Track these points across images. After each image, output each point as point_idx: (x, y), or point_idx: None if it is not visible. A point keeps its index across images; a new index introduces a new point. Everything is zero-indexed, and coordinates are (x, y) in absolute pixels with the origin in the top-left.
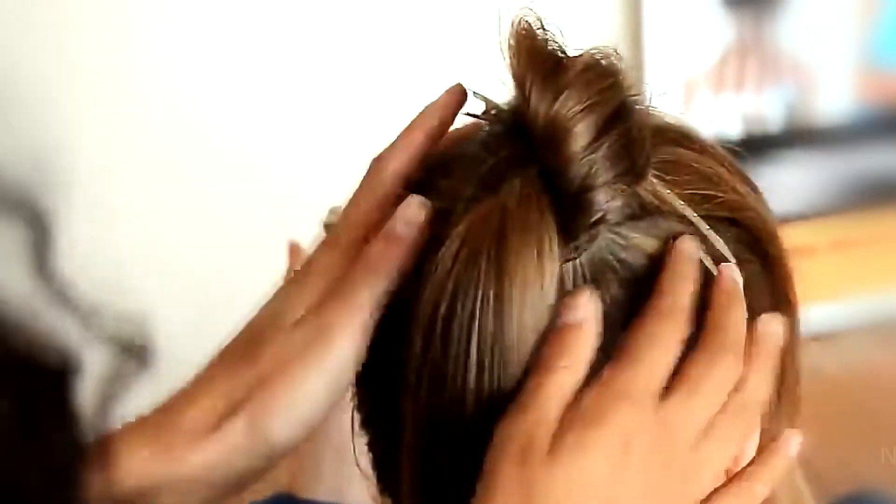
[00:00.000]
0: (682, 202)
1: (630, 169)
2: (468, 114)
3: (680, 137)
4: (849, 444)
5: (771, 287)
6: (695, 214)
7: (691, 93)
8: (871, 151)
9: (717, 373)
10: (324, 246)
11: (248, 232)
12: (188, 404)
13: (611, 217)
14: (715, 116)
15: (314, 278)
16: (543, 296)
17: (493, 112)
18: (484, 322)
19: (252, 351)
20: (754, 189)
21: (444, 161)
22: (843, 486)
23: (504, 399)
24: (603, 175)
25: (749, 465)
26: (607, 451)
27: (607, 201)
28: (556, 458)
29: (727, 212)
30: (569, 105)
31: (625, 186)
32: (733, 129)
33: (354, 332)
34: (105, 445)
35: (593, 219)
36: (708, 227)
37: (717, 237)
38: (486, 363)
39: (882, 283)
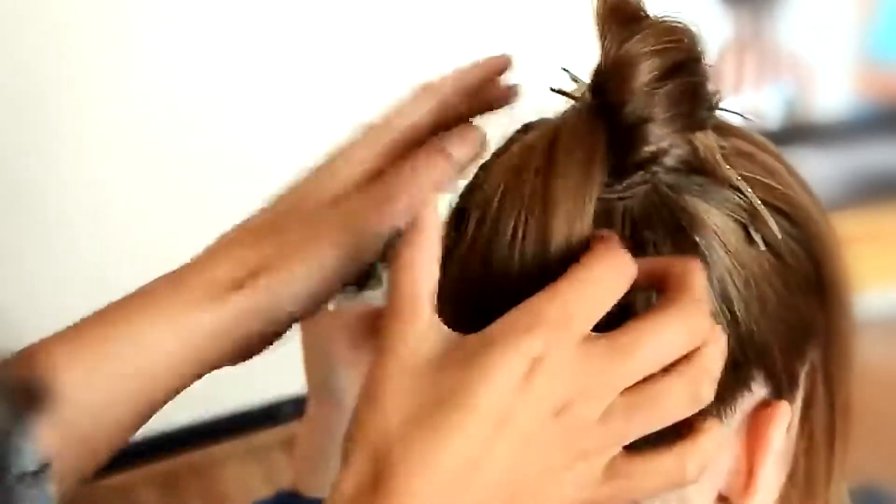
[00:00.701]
0: (739, 178)
1: (689, 114)
2: (553, 89)
3: (746, 133)
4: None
5: (820, 294)
6: (749, 189)
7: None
8: (870, 147)
9: (668, 331)
10: (362, 141)
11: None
12: (212, 263)
13: (667, 160)
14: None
15: (349, 168)
16: (584, 216)
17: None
18: (527, 235)
19: (280, 221)
20: (814, 198)
21: (532, 124)
22: (847, 481)
23: None
24: (661, 113)
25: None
26: (510, 372)
27: (662, 139)
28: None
29: (785, 205)
30: (639, 46)
31: (681, 130)
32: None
33: (383, 229)
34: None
35: (646, 153)
36: (760, 204)
37: (770, 216)
38: (527, 275)
39: (882, 279)
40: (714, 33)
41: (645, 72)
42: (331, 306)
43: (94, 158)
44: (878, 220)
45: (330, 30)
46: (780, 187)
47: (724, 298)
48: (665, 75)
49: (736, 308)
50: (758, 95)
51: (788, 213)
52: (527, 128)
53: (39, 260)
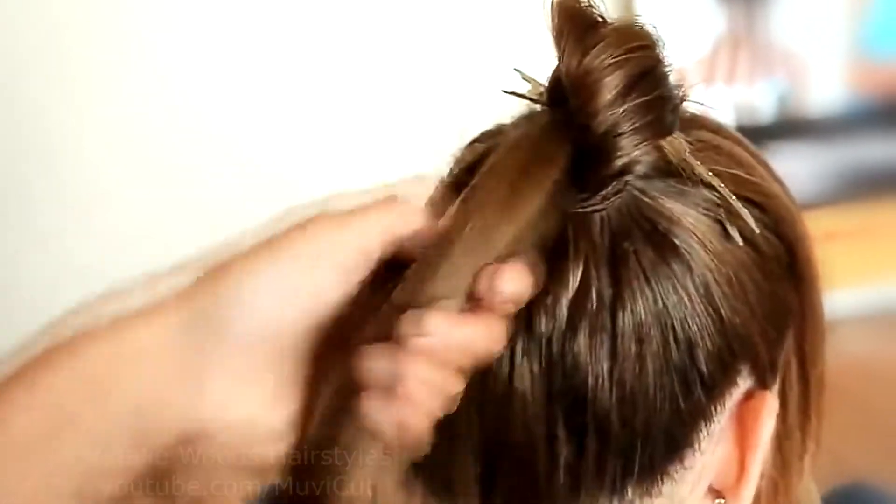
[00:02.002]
0: (710, 174)
1: (657, 122)
2: (514, 93)
3: (712, 124)
4: (842, 434)
5: (794, 278)
6: (721, 185)
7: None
8: (863, 142)
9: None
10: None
11: (245, 222)
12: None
13: (637, 168)
14: (707, 108)
15: None
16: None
17: (539, 94)
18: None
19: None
20: (781, 183)
21: (490, 133)
22: (838, 478)
23: None
24: (628, 124)
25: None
26: None
27: (633, 150)
28: None
29: (755, 195)
30: (601, 58)
31: (650, 139)
32: (725, 121)
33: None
34: None
35: (618, 166)
36: (734, 198)
37: (744, 210)
38: None
39: (874, 273)
40: (707, 28)
41: (609, 87)
42: None
43: (92, 159)
44: (870, 215)
45: (331, 30)
46: (748, 176)
47: (708, 298)
48: (629, 87)
49: (720, 307)
50: (751, 90)
51: (758, 201)
52: (485, 137)
53: (37, 261)
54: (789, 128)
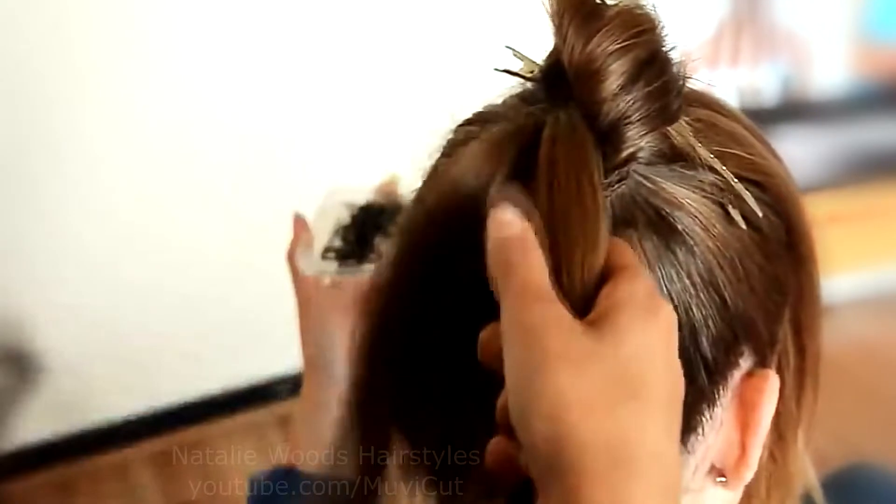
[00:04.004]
0: (712, 156)
1: (663, 110)
2: (507, 70)
3: (710, 101)
4: (844, 417)
5: (792, 255)
6: (724, 167)
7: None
8: (867, 125)
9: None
10: None
11: (249, 212)
12: None
13: (641, 156)
14: (710, 90)
15: None
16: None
17: (531, 72)
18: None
19: None
20: (779, 159)
21: (482, 115)
22: (839, 460)
23: None
24: (636, 113)
25: None
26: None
27: (638, 139)
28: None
29: (754, 174)
30: (604, 45)
31: (657, 127)
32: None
33: None
34: None
35: (624, 155)
36: (736, 181)
37: (747, 192)
38: None
39: (878, 257)
40: (711, 11)
41: (615, 75)
42: (328, 280)
43: (97, 152)
44: (873, 198)
45: (337, 27)
46: (747, 155)
47: (712, 283)
48: (636, 75)
49: (724, 291)
50: (754, 73)
51: (758, 180)
52: (475, 119)
53: (42, 256)
54: (792, 111)
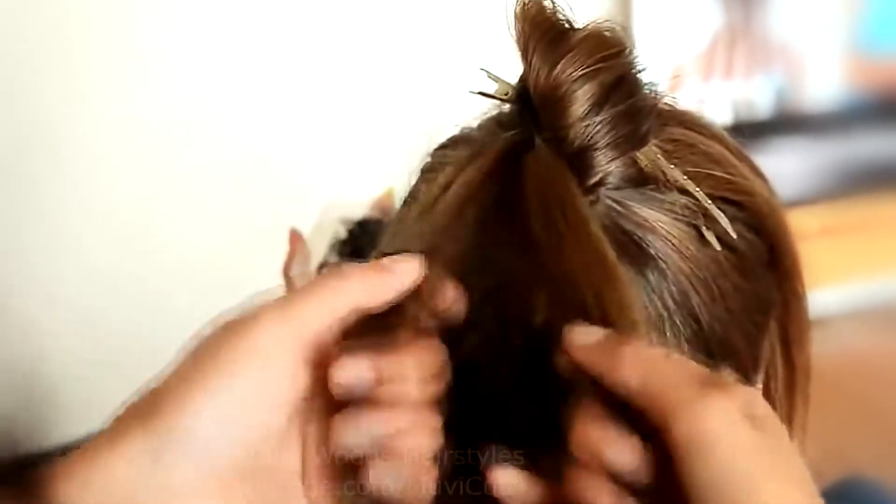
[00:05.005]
0: (686, 177)
1: (631, 135)
2: (482, 93)
3: (688, 120)
4: (839, 429)
5: (776, 271)
6: (697, 189)
7: (680, 79)
8: (861, 137)
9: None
10: None
11: (247, 224)
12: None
13: (610, 180)
14: (704, 103)
15: None
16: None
17: (506, 94)
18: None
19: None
20: (761, 176)
21: (455, 140)
22: (833, 473)
23: None
24: (603, 139)
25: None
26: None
27: (606, 164)
28: None
29: (732, 194)
30: (569, 70)
31: (625, 152)
32: (723, 116)
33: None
34: None
35: (592, 181)
36: (710, 202)
37: (720, 212)
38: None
39: (872, 269)
40: (705, 23)
41: (580, 101)
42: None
43: (97, 152)
44: (868, 210)
45: (337, 36)
46: (725, 175)
47: (687, 307)
48: (602, 100)
49: (699, 314)
50: (748, 85)
51: (736, 199)
52: (451, 143)
53: (42, 256)
54: (787, 123)
